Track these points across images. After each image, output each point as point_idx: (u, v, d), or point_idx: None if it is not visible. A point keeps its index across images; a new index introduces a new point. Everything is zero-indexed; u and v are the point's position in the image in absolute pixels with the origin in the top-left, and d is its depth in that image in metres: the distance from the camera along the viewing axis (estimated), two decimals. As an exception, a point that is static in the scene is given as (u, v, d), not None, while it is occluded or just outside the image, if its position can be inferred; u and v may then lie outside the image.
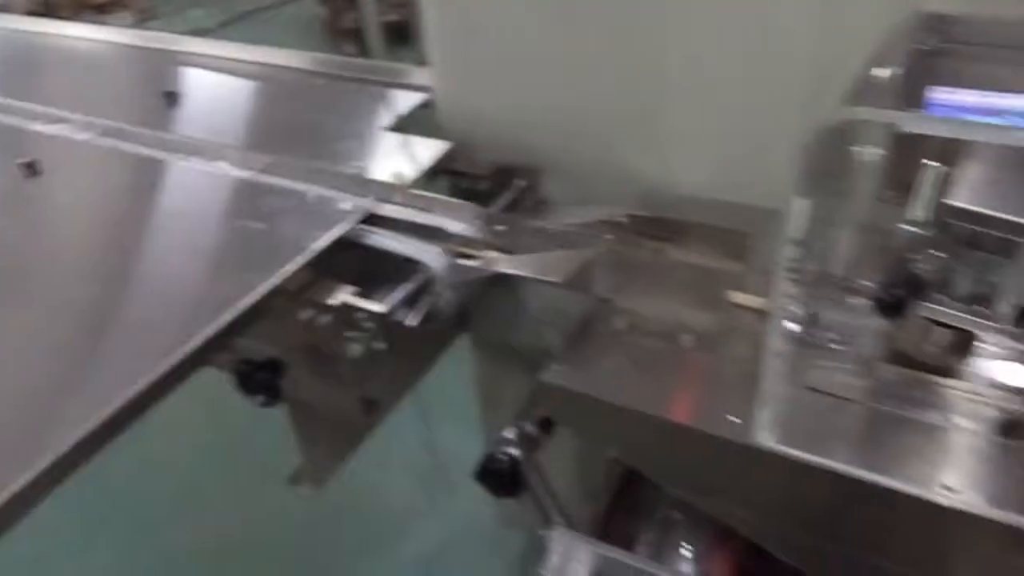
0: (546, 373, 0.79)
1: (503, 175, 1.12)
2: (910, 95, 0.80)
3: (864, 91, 0.70)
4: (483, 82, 1.12)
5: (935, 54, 0.81)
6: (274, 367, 0.92)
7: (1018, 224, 0.63)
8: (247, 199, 1.05)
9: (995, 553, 0.65)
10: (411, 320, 0.90)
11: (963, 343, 0.70)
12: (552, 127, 1.10)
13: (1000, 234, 0.65)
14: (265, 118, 1.29)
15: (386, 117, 1.21)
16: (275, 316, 0.90)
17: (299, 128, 1.22)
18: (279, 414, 1.03)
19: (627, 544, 0.90)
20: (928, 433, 0.71)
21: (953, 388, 0.73)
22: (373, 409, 1.01)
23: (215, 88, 1.41)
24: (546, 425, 0.87)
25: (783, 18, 0.89)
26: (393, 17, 3.77)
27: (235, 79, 1.42)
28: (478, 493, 0.91)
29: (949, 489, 0.65)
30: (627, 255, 0.90)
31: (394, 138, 1.16)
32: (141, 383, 0.76)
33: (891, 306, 0.63)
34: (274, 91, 1.37)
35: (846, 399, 0.74)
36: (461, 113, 1.16)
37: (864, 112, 0.56)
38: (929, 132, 0.56)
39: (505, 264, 0.91)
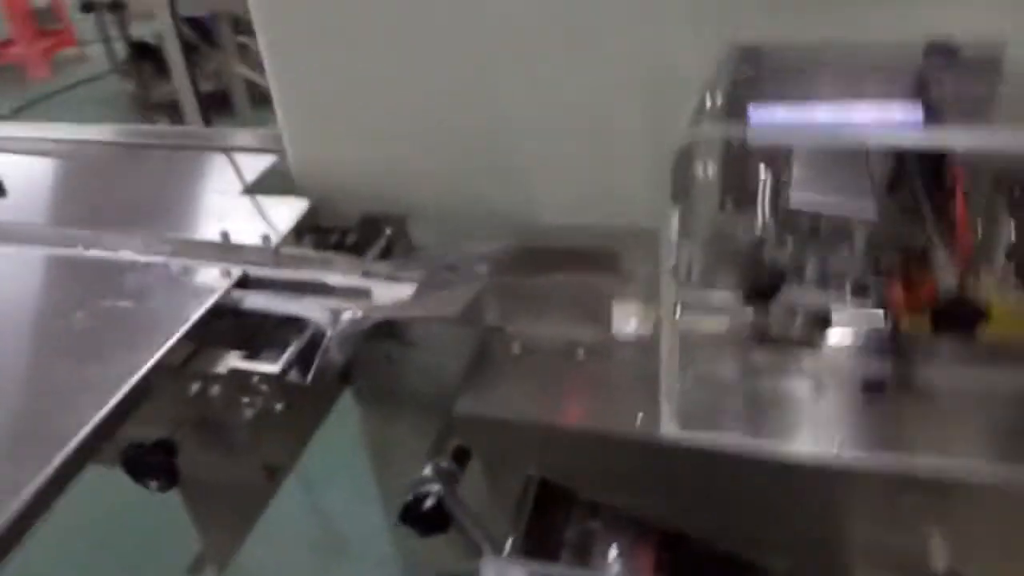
0: (458, 405, 0.82)
1: (369, 225, 1.13)
2: (735, 118, 0.91)
3: (699, 117, 0.79)
4: (335, 138, 1.14)
5: (752, 81, 0.92)
6: (167, 448, 0.88)
7: (846, 209, 0.73)
8: (108, 279, 1.00)
9: (884, 498, 0.74)
10: (306, 378, 0.89)
11: (821, 319, 0.80)
12: (411, 174, 1.13)
13: (835, 222, 0.75)
14: (110, 196, 1.23)
15: (238, 182, 1.19)
16: (161, 395, 0.87)
17: (149, 202, 1.18)
18: (165, 502, 0.98)
19: (552, 557, 0.93)
20: (805, 401, 0.80)
21: (819, 359, 0.82)
22: (274, 475, 0.98)
23: (40, 171, 1.33)
24: (461, 457, 0.89)
25: (617, 54, 0.97)
26: (209, 87, 3.67)
27: (59, 161, 1.34)
28: (374, 557, 0.91)
29: (835, 447, 0.73)
30: (509, 284, 0.94)
31: (251, 201, 1.15)
32: (25, 494, 0.70)
33: (760, 294, 0.71)
34: (109, 168, 1.31)
35: (732, 384, 0.81)
36: (317, 170, 1.16)
37: (714, 129, 0.63)
38: (765, 141, 0.64)
39: (394, 309, 0.93)
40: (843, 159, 0.79)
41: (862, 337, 0.81)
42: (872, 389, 0.80)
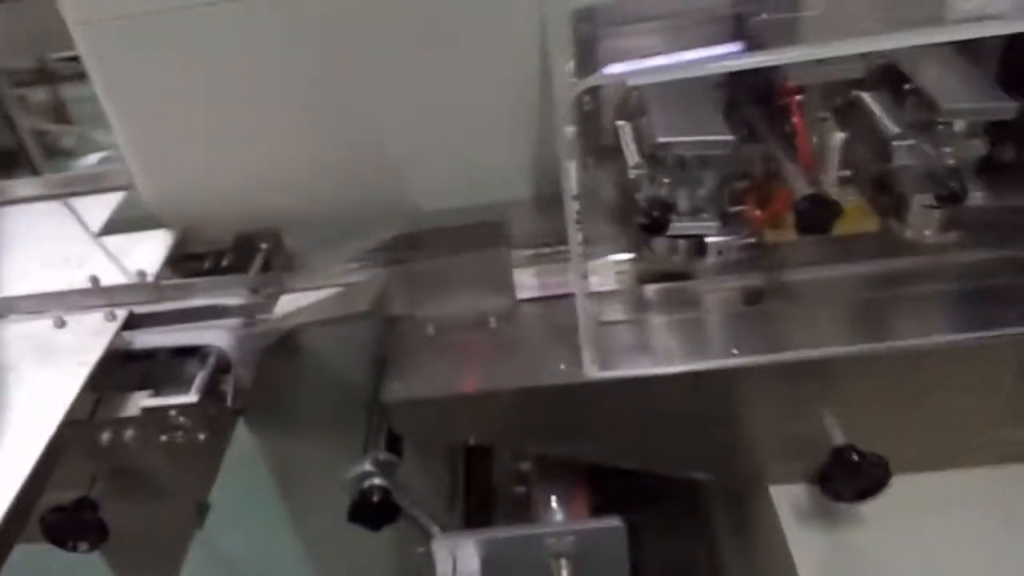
0: (386, 393, 0.83)
1: (244, 244, 1.11)
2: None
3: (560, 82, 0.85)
4: (193, 163, 1.10)
5: (591, 40, 0.99)
6: (89, 505, 0.84)
7: (709, 142, 0.81)
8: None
9: (780, 391, 0.84)
10: (226, 402, 0.88)
11: (698, 247, 0.89)
12: (281, 187, 1.11)
13: (697, 156, 0.83)
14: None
15: (90, 224, 1.13)
16: (71, 452, 0.82)
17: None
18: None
19: (495, 520, 0.97)
20: (697, 322, 0.88)
21: (701, 284, 0.91)
22: (203, 512, 0.95)
23: None
24: (395, 446, 0.90)
25: (471, 43, 1.02)
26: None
27: None
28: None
29: (735, 354, 0.82)
30: (409, 271, 0.96)
31: (112, 241, 1.09)
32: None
33: (653, 225, 0.79)
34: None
35: (635, 321, 0.89)
36: (177, 198, 1.12)
37: (599, 78, 0.69)
38: (645, 81, 0.70)
39: (300, 315, 0.93)
40: (691, 99, 0.88)
41: (734, 256, 0.91)
42: (751, 301, 0.90)
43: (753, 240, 0.93)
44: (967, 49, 0.91)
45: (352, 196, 1.10)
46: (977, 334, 0.81)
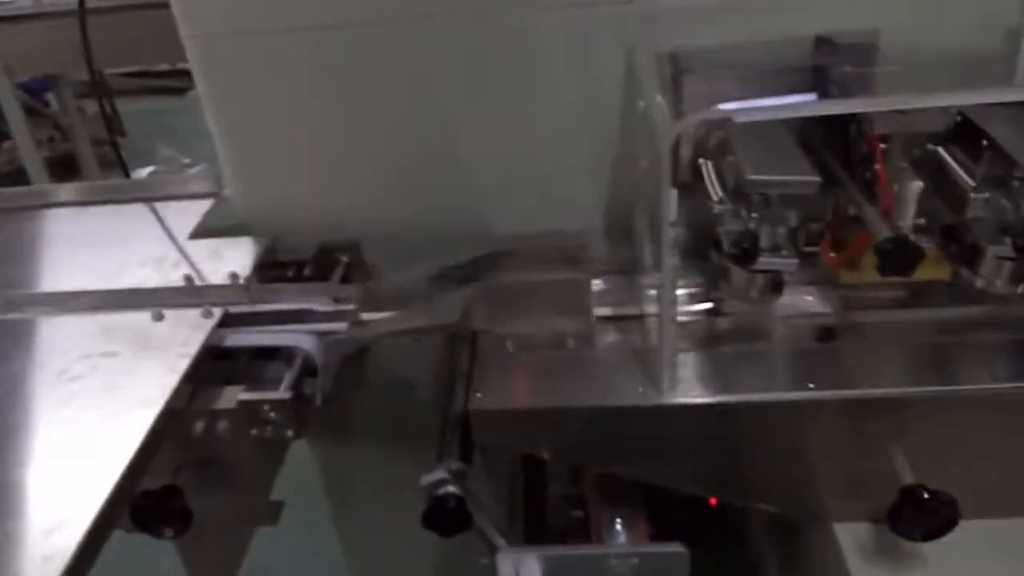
0: (473, 403, 0.87)
1: (325, 255, 1.16)
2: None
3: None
4: (285, 175, 1.16)
5: (676, 83, 1.04)
6: (176, 492, 0.87)
7: (798, 182, 0.85)
8: (86, 338, 0.97)
9: (850, 428, 0.86)
10: (315, 400, 0.91)
11: (776, 283, 0.92)
12: (364, 203, 1.17)
13: (786, 192, 0.87)
14: (51, 257, 1.18)
15: (182, 229, 1.19)
16: (167, 440, 0.86)
17: (94, 260, 1.14)
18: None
19: (556, 538, 0.99)
20: (772, 355, 0.91)
21: (777, 318, 0.94)
22: (279, 508, 0.99)
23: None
24: (467, 456, 0.93)
25: (556, 80, 1.07)
26: (44, 154, 3.47)
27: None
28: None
29: (811, 388, 0.85)
30: (492, 288, 1.00)
31: (204, 245, 1.14)
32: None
33: (743, 256, 0.82)
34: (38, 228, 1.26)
35: (705, 350, 0.92)
36: (268, 208, 1.18)
37: (708, 113, 0.73)
38: (750, 119, 0.75)
39: (386, 324, 0.97)
40: (776, 141, 0.92)
41: (811, 294, 0.94)
42: (824, 338, 0.93)
43: (828, 277, 0.96)
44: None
45: (432, 217, 1.15)
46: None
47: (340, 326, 0.99)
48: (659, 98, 0.91)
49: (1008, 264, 0.89)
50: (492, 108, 1.11)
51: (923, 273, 0.92)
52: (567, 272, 1.02)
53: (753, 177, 0.85)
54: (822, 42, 1.03)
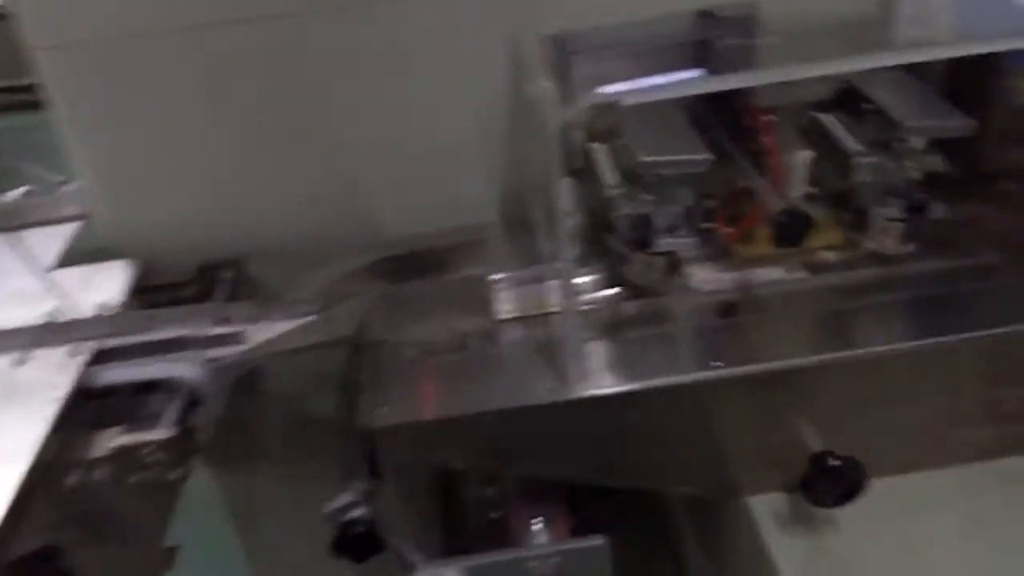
0: (377, 418, 0.82)
1: (207, 274, 1.08)
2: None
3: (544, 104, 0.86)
4: (156, 194, 1.08)
5: (563, 66, 1.01)
6: (52, 554, 0.79)
7: (689, 161, 0.84)
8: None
9: (756, 402, 0.85)
10: (203, 436, 0.85)
11: (674, 264, 0.91)
12: (242, 216, 1.10)
13: (678, 171, 0.86)
14: None
15: (42, 257, 1.08)
16: (37, 497, 0.78)
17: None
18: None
19: (476, 544, 0.96)
20: (674, 336, 0.90)
21: (677, 298, 0.93)
22: (173, 554, 0.91)
23: None
24: (376, 472, 0.89)
25: (441, 73, 1.03)
26: None
27: None
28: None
29: (716, 365, 0.84)
30: (387, 295, 0.95)
31: (72, 274, 1.05)
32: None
33: (639, 241, 0.80)
34: None
35: (610, 338, 0.90)
36: (139, 230, 1.09)
37: (593, 97, 0.71)
38: (640, 100, 0.72)
39: (274, 344, 0.90)
40: (665, 121, 0.90)
41: (711, 270, 0.93)
42: (727, 314, 0.92)
43: (725, 252, 0.95)
44: (916, 71, 0.96)
45: (322, 224, 1.09)
46: (937, 339, 0.84)
47: (227, 350, 0.92)
48: (546, 83, 0.88)
49: (897, 225, 0.91)
50: (375, 105, 1.05)
51: (817, 240, 0.93)
52: (466, 270, 0.98)
53: (645, 159, 0.83)
54: (704, 16, 1.02)
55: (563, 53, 1.00)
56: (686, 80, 0.86)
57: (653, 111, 0.90)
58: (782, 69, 0.75)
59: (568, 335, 0.80)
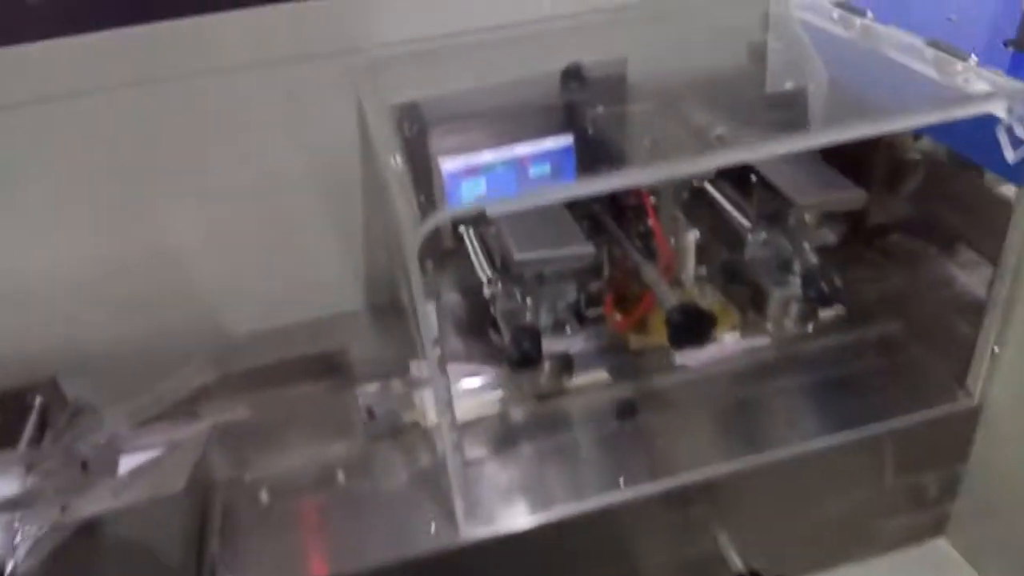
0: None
1: (12, 402, 0.89)
2: (419, 179, 0.88)
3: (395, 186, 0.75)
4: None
5: (419, 137, 0.90)
6: None
7: (570, 256, 0.74)
8: None
9: (671, 518, 0.77)
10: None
11: (567, 363, 0.81)
12: (56, 326, 0.92)
13: (560, 267, 0.76)
14: None
15: None
16: None
17: None
18: None
19: None
20: (572, 449, 0.80)
21: (572, 401, 0.83)
22: None
23: None
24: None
25: (281, 144, 0.89)
26: None
27: None
28: None
29: (622, 486, 0.74)
30: (229, 424, 0.81)
31: None
32: None
33: (525, 360, 0.70)
34: None
35: (502, 456, 0.79)
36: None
37: (450, 212, 0.59)
38: (505, 211, 0.62)
39: (97, 501, 0.74)
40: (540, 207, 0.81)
41: (603, 368, 0.84)
42: (625, 414, 0.82)
43: (619, 347, 0.86)
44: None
45: (153, 330, 0.93)
46: (843, 435, 0.78)
47: (40, 513, 0.75)
48: (396, 161, 0.76)
49: (795, 303, 0.85)
50: (206, 185, 0.90)
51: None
52: (327, 380, 0.84)
53: (520, 258, 0.73)
54: (570, 77, 0.94)
55: (418, 123, 0.89)
56: (556, 186, 0.75)
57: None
58: (660, 167, 0.66)
59: (451, 463, 0.68)
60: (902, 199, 0.92)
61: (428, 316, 0.60)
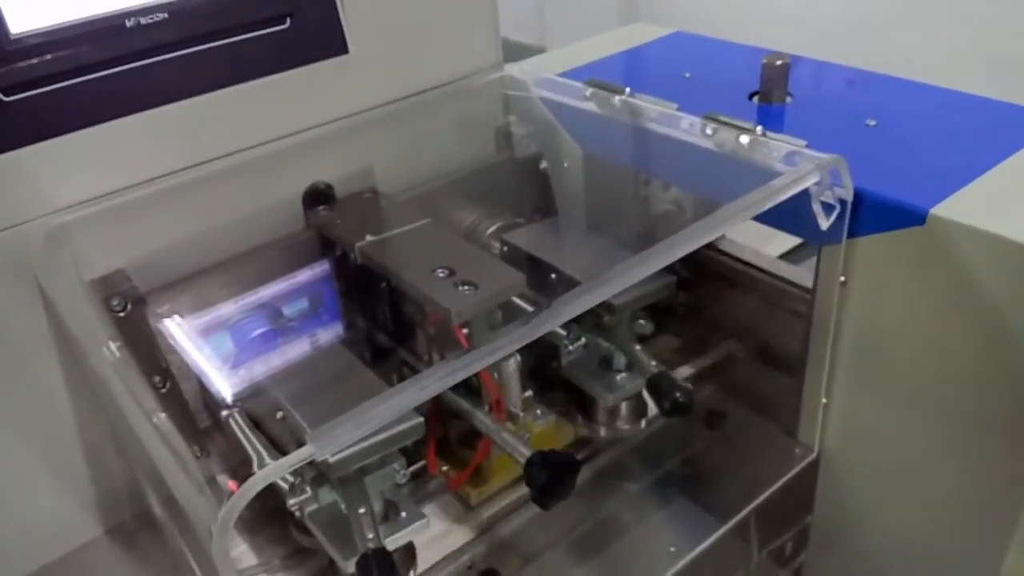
0: None
1: None
2: (148, 365, 0.67)
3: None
4: None
5: (136, 310, 0.69)
6: None
7: (396, 435, 0.59)
8: None
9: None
10: None
11: (410, 553, 0.65)
12: None
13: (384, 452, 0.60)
14: None
15: None
16: None
17: None
18: None
19: None
20: None
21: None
22: None
23: None
24: None
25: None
26: None
27: None
28: None
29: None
30: None
31: None
32: None
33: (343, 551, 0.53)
34: None
35: None
36: None
37: (271, 472, 0.42)
38: (342, 449, 0.44)
39: None
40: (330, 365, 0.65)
41: (447, 526, 0.70)
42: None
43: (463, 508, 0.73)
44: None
45: None
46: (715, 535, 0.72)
47: None
48: (112, 350, 0.57)
49: (623, 403, 0.78)
50: None
51: (550, 442, 0.75)
52: None
53: (330, 460, 0.56)
54: (312, 198, 0.79)
55: (130, 294, 0.68)
56: (380, 409, 0.55)
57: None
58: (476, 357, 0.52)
59: None
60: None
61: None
